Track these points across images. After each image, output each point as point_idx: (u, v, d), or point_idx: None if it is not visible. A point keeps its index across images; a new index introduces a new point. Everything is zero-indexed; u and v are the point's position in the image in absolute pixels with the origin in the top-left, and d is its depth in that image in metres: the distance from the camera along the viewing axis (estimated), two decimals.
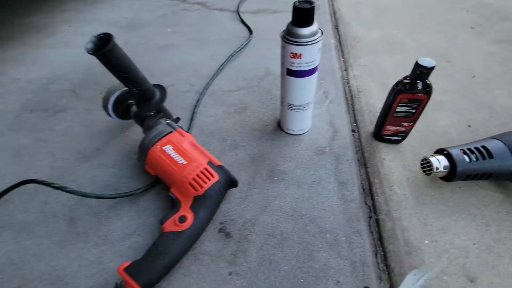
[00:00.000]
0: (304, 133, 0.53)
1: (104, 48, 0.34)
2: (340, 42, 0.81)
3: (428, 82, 0.40)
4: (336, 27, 0.88)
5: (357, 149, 0.51)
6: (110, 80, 0.71)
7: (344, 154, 0.49)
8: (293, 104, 0.47)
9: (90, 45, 0.34)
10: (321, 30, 0.39)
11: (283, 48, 0.41)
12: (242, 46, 0.78)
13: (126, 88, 0.50)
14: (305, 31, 0.38)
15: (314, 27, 0.38)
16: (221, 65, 0.72)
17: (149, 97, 0.43)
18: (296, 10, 0.37)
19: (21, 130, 0.59)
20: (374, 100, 0.60)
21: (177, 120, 0.53)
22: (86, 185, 0.48)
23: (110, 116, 0.52)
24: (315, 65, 0.41)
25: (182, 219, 0.36)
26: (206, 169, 0.40)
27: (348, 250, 0.37)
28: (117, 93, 0.50)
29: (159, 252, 0.34)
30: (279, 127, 0.55)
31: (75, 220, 0.43)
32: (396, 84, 0.43)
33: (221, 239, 0.39)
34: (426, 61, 0.38)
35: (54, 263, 0.38)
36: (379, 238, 0.39)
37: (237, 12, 0.97)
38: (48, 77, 0.75)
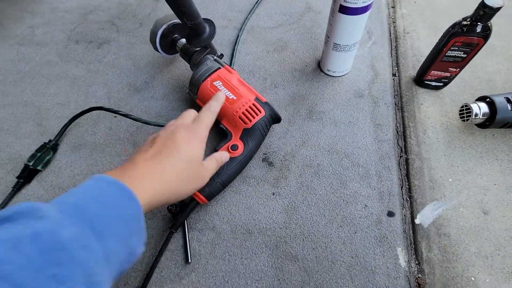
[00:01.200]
0: (344, 75, 0.54)
1: None
2: None
3: (489, 24, 0.38)
4: None
5: (396, 93, 0.52)
6: (146, 12, 0.72)
7: (383, 97, 0.50)
8: (339, 44, 0.46)
9: None
10: None
11: None
12: None
13: (171, 22, 0.51)
14: None
15: None
16: None
17: (200, 32, 0.44)
18: None
19: (73, 61, 0.63)
20: (420, 43, 0.57)
21: (221, 56, 0.54)
22: (141, 115, 0.53)
23: (157, 50, 0.54)
24: (370, 1, 0.40)
25: (234, 147, 0.42)
26: (254, 105, 0.43)
27: (378, 182, 0.42)
28: (164, 27, 0.50)
29: (217, 173, 0.40)
30: (319, 67, 0.56)
31: (138, 143, 0.50)
32: (453, 26, 0.41)
33: (265, 167, 0.45)
34: (492, 0, 0.36)
35: None
36: (406, 174, 0.43)
37: None
38: (84, 6, 0.75)
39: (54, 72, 0.61)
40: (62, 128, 0.50)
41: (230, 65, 0.58)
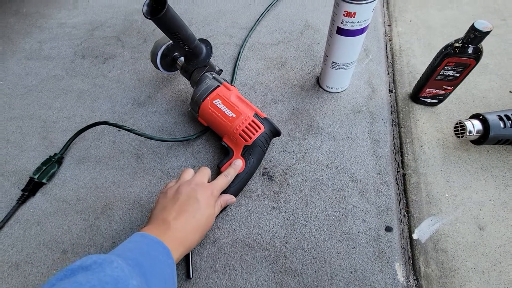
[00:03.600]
0: (342, 91, 0.55)
1: (159, 11, 0.36)
2: None
3: (480, 46, 0.40)
4: None
5: (393, 109, 0.53)
6: (150, 28, 0.74)
7: (380, 113, 0.52)
8: (337, 63, 0.48)
9: (146, 9, 0.36)
10: None
11: (336, 5, 0.41)
12: None
13: (171, 42, 0.53)
14: None
15: None
16: (260, 16, 0.71)
17: (197, 54, 0.46)
18: None
19: (79, 76, 0.65)
20: (416, 61, 0.59)
21: (220, 72, 0.56)
22: (144, 129, 0.55)
23: (158, 69, 0.55)
24: (366, 24, 0.42)
25: None
26: (253, 121, 0.45)
27: (375, 197, 0.43)
28: (163, 47, 0.52)
29: None
30: (318, 83, 0.57)
31: (141, 157, 0.51)
32: (446, 47, 0.43)
33: (265, 181, 0.46)
34: (482, 24, 0.38)
35: (130, 189, 0.47)
36: (403, 189, 0.44)
37: None
38: (91, 22, 0.77)
39: (60, 86, 0.63)
40: (67, 142, 0.51)
41: (232, 81, 0.59)
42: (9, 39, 0.75)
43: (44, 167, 0.48)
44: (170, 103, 0.58)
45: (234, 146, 0.45)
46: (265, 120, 0.46)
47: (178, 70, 0.56)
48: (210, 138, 0.52)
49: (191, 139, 0.50)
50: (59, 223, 0.45)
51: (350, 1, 0.39)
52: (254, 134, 0.44)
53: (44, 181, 0.48)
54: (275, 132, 0.46)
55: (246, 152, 0.44)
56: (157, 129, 0.54)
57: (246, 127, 0.44)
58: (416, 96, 0.51)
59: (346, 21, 0.41)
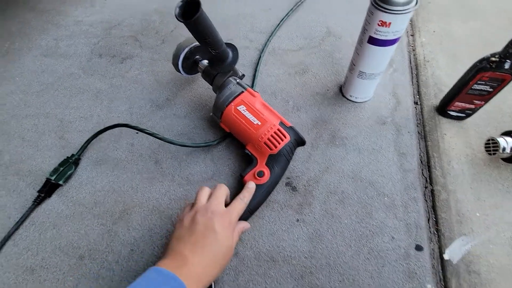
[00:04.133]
0: (366, 101, 0.54)
1: (192, 14, 0.34)
2: None
3: None
4: None
5: (419, 122, 0.52)
6: (169, 29, 0.73)
7: (406, 125, 0.51)
8: (365, 73, 0.47)
9: (178, 11, 0.35)
10: None
11: (370, 14, 0.40)
12: (303, 1, 0.74)
13: (194, 45, 0.52)
14: None
15: None
16: (281, 21, 0.70)
17: (224, 58, 0.45)
18: None
19: (96, 75, 0.64)
20: (441, 72, 0.58)
21: (242, 77, 0.55)
22: (163, 132, 0.53)
23: (179, 72, 0.54)
24: (401, 34, 0.41)
25: (261, 174, 0.41)
26: (279, 130, 0.43)
27: (404, 213, 0.41)
28: (186, 50, 0.51)
29: None
30: (341, 92, 0.56)
31: (160, 161, 0.50)
32: (480, 61, 0.42)
33: (288, 191, 0.45)
34: None
35: (149, 195, 0.46)
36: (432, 206, 0.43)
37: None
38: (108, 20, 0.77)
39: (77, 85, 0.62)
40: (85, 143, 0.50)
41: (252, 86, 0.58)
42: (25, 35, 0.74)
43: (61, 168, 0.47)
44: (189, 107, 0.57)
45: (259, 155, 0.44)
46: (291, 129, 0.44)
47: (199, 73, 0.55)
48: (230, 144, 0.51)
49: (212, 145, 0.49)
50: (75, 227, 0.43)
51: (386, 11, 0.37)
52: (279, 143, 0.43)
53: (60, 182, 0.46)
54: (300, 142, 0.45)
55: (271, 161, 0.43)
56: (176, 133, 0.53)
57: (271, 135, 0.43)
58: (443, 109, 0.50)
59: (380, 31, 0.40)
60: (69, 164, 0.48)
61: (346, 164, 0.47)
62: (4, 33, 0.75)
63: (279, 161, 0.43)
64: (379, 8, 0.38)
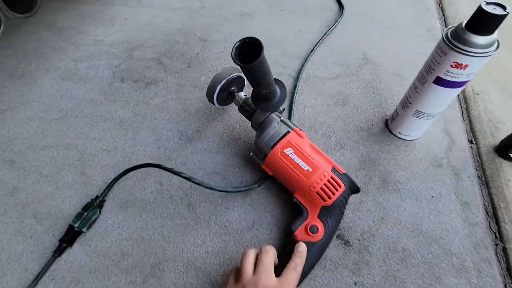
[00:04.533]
0: (416, 139, 0.50)
1: (248, 54, 0.31)
2: (446, 27, 0.71)
3: None
4: (440, 5, 0.77)
5: (477, 165, 0.47)
6: (194, 52, 0.69)
7: (464, 169, 0.46)
8: (423, 112, 0.43)
9: (235, 53, 0.31)
10: (498, 40, 0.34)
11: (441, 53, 0.36)
12: (336, 24, 0.70)
13: (231, 76, 0.47)
14: (483, 40, 0.32)
15: (494, 36, 0.32)
16: (315, 45, 0.66)
17: (271, 97, 0.40)
18: (481, 15, 0.31)
19: (118, 101, 0.60)
20: (494, 107, 0.53)
21: (282, 111, 0.50)
22: (194, 170, 0.49)
23: (212, 104, 0.50)
24: (472, 76, 0.37)
25: (314, 229, 0.37)
26: (332, 178, 0.39)
27: (478, 279, 0.36)
28: (223, 82, 0.47)
29: None
30: (387, 127, 0.52)
31: (193, 205, 0.45)
32: None
33: (340, 246, 0.40)
34: None
35: (183, 246, 0.41)
36: (507, 268, 0.38)
37: None
38: (129, 41, 0.73)
39: (98, 112, 0.58)
40: (110, 183, 0.46)
41: (289, 118, 0.54)
42: (43, 55, 0.70)
43: (85, 213, 0.42)
44: (221, 141, 0.52)
45: (310, 206, 0.39)
46: (345, 176, 0.40)
47: (233, 104, 0.51)
48: (270, 186, 0.46)
49: (252, 188, 0.44)
50: (101, 284, 0.38)
51: (464, 52, 0.33)
52: (334, 194, 0.38)
53: (84, 230, 0.41)
54: (354, 190, 0.40)
55: (324, 214, 0.38)
56: (209, 171, 0.48)
57: (325, 184, 0.38)
58: (505, 152, 0.46)
59: (452, 72, 0.36)
60: (94, 208, 0.43)
61: (403, 214, 0.42)
62: (19, 53, 0.71)
63: (334, 213, 0.38)
64: (456, 49, 0.34)
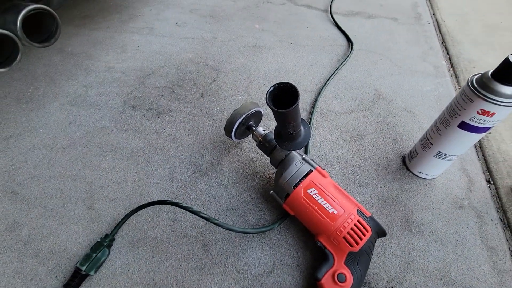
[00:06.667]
0: (435, 178, 0.49)
1: (281, 98, 0.31)
2: (452, 65, 0.74)
3: None
4: (444, 45, 0.80)
5: (498, 206, 0.47)
6: (206, 82, 0.70)
7: (487, 211, 0.45)
8: (445, 154, 0.43)
9: (269, 97, 0.31)
10: None
11: (467, 99, 0.36)
12: (347, 59, 0.72)
13: (251, 112, 0.47)
14: (510, 90, 0.33)
15: None
16: (328, 79, 0.67)
17: (297, 137, 0.40)
18: (509, 67, 0.32)
19: (129, 130, 0.58)
20: (507, 147, 0.54)
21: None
22: (210, 206, 0.47)
23: (229, 137, 0.49)
24: (499, 122, 0.37)
25: (342, 278, 0.35)
26: (359, 222, 0.37)
27: None
28: (243, 117, 0.47)
29: None
30: (405, 165, 0.51)
31: (208, 245, 0.42)
32: None
33: None
34: None
35: None
36: None
37: (330, 14, 0.90)
38: (141, 68, 0.73)
39: (108, 141, 0.56)
40: (121, 220, 0.43)
41: (306, 153, 0.53)
42: (52, 80, 0.69)
43: (94, 255, 0.39)
44: (237, 175, 0.51)
45: (336, 251, 0.37)
46: (371, 220, 0.38)
47: (250, 137, 0.50)
48: (289, 225, 0.44)
49: (273, 228, 0.42)
50: None
51: (492, 101, 0.34)
52: (362, 239, 0.36)
53: (91, 273, 0.38)
54: (380, 234, 0.39)
55: (351, 260, 0.36)
56: (225, 208, 0.47)
57: (351, 228, 0.37)
58: None
59: (478, 119, 0.36)
60: (103, 249, 0.40)
61: (430, 259, 0.40)
62: (27, 77, 0.70)
63: (361, 260, 0.36)
64: (483, 97, 0.34)
